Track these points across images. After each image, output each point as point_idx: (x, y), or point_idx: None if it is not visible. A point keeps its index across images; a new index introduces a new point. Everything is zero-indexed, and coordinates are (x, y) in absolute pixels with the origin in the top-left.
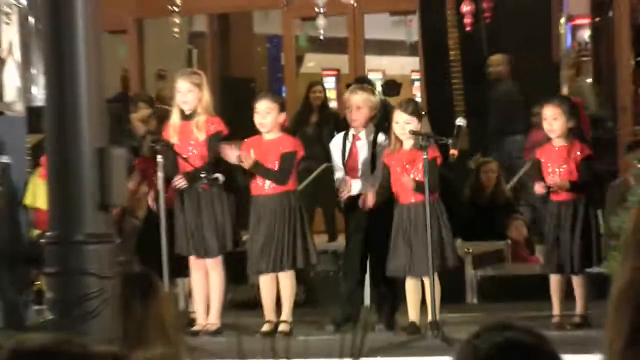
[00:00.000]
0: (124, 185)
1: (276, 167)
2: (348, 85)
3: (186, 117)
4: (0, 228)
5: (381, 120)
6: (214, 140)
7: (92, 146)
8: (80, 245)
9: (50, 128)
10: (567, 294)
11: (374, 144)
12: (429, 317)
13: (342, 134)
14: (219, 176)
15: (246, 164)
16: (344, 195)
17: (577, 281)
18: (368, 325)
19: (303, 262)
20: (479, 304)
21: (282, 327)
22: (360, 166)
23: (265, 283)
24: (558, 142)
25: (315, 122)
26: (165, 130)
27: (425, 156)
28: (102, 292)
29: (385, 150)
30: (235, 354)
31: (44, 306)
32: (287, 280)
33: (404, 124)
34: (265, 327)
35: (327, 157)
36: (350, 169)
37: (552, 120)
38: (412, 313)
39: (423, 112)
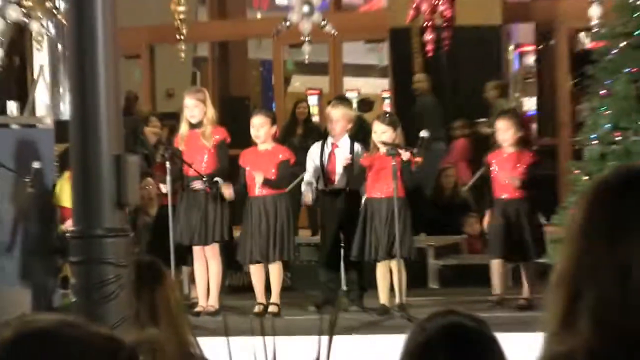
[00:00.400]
0: (137, 187)
1: (273, 173)
2: (329, 102)
3: (193, 127)
4: (33, 224)
5: (357, 132)
6: (220, 147)
7: (110, 154)
8: (100, 238)
9: (74, 138)
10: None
11: (350, 151)
12: (397, 300)
13: (319, 142)
14: (219, 180)
15: (258, 182)
16: (306, 202)
17: (524, 267)
18: (341, 307)
19: (289, 254)
20: (439, 289)
21: (272, 309)
22: (337, 169)
23: (256, 271)
24: (508, 150)
25: (301, 134)
26: (175, 140)
27: (393, 162)
28: (119, 279)
29: (365, 153)
30: (231, 332)
31: (69, 290)
32: (275, 268)
33: (381, 133)
34: (257, 309)
35: None
36: (329, 172)
37: (505, 131)
38: (382, 296)
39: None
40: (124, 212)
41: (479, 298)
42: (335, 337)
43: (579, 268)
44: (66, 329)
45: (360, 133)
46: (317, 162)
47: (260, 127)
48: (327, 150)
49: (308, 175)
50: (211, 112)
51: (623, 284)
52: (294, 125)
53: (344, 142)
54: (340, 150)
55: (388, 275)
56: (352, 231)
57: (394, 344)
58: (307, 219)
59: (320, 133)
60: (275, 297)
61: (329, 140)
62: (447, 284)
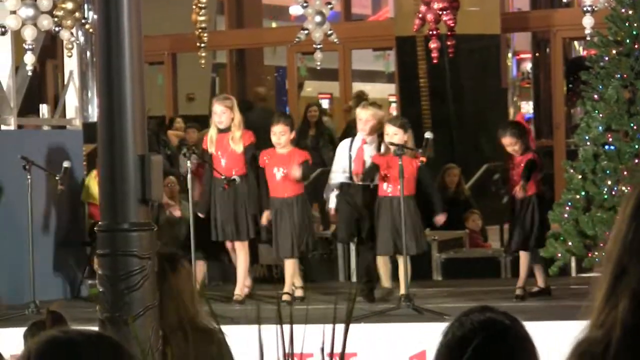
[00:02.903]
0: (161, 184)
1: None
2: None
3: (221, 131)
4: (64, 218)
5: None
6: (250, 149)
7: (135, 153)
8: (126, 232)
9: (102, 139)
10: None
11: (378, 149)
12: (402, 291)
13: (348, 140)
14: (237, 178)
15: (295, 174)
16: (329, 210)
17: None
18: (354, 297)
19: (308, 247)
20: (442, 280)
21: (298, 293)
22: (365, 165)
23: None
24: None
25: (313, 135)
26: (204, 142)
27: (400, 162)
28: (142, 270)
29: (377, 154)
30: (251, 320)
31: (96, 281)
32: (290, 263)
33: (392, 134)
34: (285, 297)
35: (323, 163)
36: (357, 166)
37: (512, 146)
38: (385, 281)
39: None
40: (148, 208)
41: (479, 289)
42: (341, 326)
43: (626, 247)
44: (94, 345)
45: None
46: (346, 159)
47: (281, 134)
48: (355, 146)
49: (335, 179)
50: (238, 117)
51: None
52: (306, 128)
53: (371, 140)
54: (368, 147)
55: (388, 261)
56: (366, 226)
57: (401, 332)
58: (319, 214)
59: (331, 134)
60: (298, 283)
61: (359, 136)
62: (450, 276)
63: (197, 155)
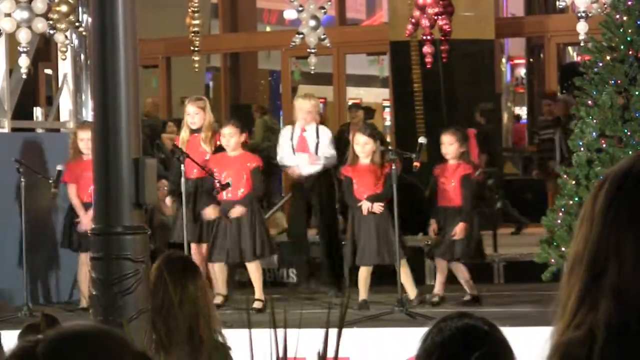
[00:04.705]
0: (155, 188)
1: (243, 178)
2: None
3: (193, 132)
4: (57, 222)
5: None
6: (220, 151)
7: (129, 157)
8: (119, 235)
9: (96, 142)
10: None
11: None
12: (412, 295)
13: (289, 128)
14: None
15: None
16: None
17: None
18: (347, 302)
19: (265, 252)
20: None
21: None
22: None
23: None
24: (452, 162)
25: None
26: (176, 142)
27: (393, 167)
28: (136, 273)
29: (346, 165)
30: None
31: (90, 284)
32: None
33: (363, 144)
34: (257, 304)
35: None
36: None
37: (448, 145)
38: (362, 293)
39: (379, 135)
40: (142, 211)
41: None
42: (334, 330)
43: (602, 247)
44: (103, 337)
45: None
46: (289, 148)
47: (230, 137)
48: (296, 135)
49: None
50: (210, 118)
51: None
52: None
53: (311, 128)
54: (309, 134)
55: (369, 273)
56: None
57: (394, 337)
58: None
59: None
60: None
61: (299, 124)
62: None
63: (190, 159)
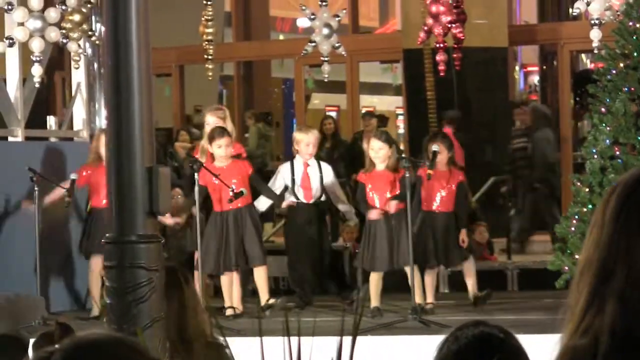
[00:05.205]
0: (169, 197)
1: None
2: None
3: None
4: (71, 230)
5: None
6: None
7: (143, 165)
8: (133, 244)
9: (110, 151)
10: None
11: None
12: (416, 302)
13: (288, 164)
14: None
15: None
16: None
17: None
18: (362, 310)
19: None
20: (449, 293)
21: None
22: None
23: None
24: (442, 168)
25: (328, 147)
26: (195, 151)
27: (407, 174)
28: (150, 282)
29: (361, 171)
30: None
31: (104, 292)
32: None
33: (378, 149)
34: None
35: (338, 175)
36: (307, 193)
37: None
38: (375, 300)
39: (393, 141)
40: (156, 220)
41: (490, 301)
42: (348, 338)
43: (612, 251)
44: (119, 345)
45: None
46: (289, 183)
47: (227, 147)
48: (299, 171)
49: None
50: (230, 128)
51: None
52: (322, 140)
53: (313, 162)
54: (312, 170)
55: (380, 280)
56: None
57: (408, 344)
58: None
59: (346, 146)
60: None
61: (300, 159)
62: (456, 289)
63: (205, 168)
